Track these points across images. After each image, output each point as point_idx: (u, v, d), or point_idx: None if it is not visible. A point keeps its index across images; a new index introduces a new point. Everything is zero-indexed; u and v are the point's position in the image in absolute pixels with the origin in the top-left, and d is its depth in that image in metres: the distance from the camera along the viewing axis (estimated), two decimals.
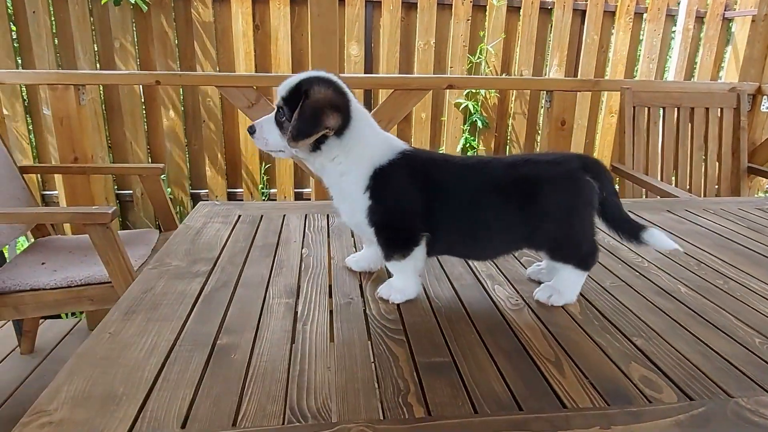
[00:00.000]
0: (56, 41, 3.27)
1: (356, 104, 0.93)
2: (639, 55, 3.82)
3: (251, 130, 0.96)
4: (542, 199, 0.91)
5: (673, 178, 2.49)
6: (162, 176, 2.51)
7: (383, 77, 3.20)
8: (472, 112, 3.69)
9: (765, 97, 2.62)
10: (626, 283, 1.06)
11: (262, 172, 3.62)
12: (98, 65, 3.36)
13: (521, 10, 3.63)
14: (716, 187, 2.52)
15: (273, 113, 0.94)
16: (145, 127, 3.48)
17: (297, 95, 0.88)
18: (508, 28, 3.68)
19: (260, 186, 3.64)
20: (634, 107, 2.42)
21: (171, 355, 0.77)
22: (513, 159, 0.96)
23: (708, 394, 0.72)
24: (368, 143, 0.93)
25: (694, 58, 3.83)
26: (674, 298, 1.01)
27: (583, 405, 0.69)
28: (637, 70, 3.83)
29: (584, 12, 3.68)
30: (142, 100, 3.45)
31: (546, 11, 3.69)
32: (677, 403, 0.70)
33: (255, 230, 1.30)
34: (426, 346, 0.82)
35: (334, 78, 0.93)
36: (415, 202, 0.91)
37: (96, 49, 3.36)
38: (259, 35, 3.50)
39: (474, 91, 3.68)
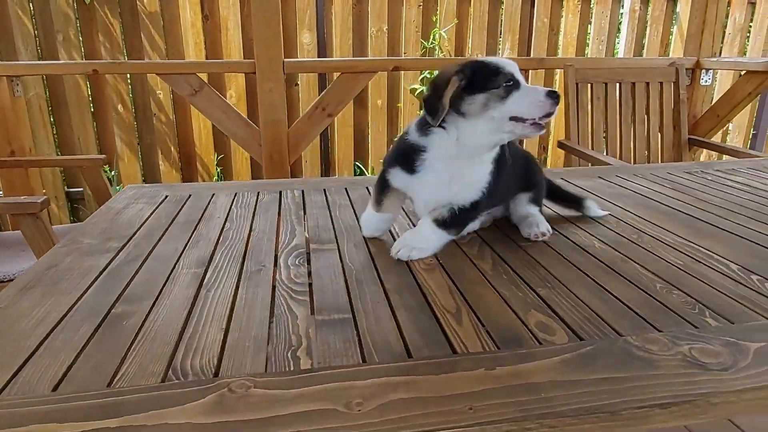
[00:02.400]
0: None
1: None
2: (589, 37, 3.88)
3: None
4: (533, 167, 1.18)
5: (619, 151, 2.54)
6: (105, 167, 2.44)
7: (330, 61, 3.18)
8: None
9: (704, 70, 2.68)
10: (544, 242, 1.08)
11: (216, 162, 3.57)
12: (41, 59, 3.25)
13: None
14: (659, 158, 2.58)
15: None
16: (94, 123, 3.39)
17: None
18: (460, 13, 3.69)
19: (215, 178, 3.58)
20: (577, 84, 2.45)
21: (60, 325, 0.74)
22: None
23: (600, 334, 0.73)
24: None
25: (642, 38, 3.90)
26: (586, 252, 1.02)
27: (474, 350, 0.69)
28: (587, 52, 3.89)
29: None
30: (89, 94, 3.36)
31: None
32: (567, 343, 0.71)
33: (180, 208, 1.27)
34: (329, 305, 0.81)
35: None
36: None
37: (38, 42, 3.25)
38: (208, 25, 3.43)
39: (428, 76, 3.69)
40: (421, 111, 0.97)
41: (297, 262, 0.97)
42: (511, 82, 0.91)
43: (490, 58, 0.96)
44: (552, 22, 3.79)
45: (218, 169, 3.60)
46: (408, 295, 0.85)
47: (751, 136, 3.81)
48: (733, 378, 0.63)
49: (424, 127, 0.97)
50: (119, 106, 3.40)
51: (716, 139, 3.98)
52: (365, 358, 0.67)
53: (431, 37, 3.67)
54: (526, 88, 0.92)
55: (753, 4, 3.96)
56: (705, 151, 3.40)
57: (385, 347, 0.70)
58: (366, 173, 3.77)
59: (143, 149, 3.52)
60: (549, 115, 0.90)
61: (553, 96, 0.90)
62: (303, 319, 0.77)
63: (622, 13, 3.87)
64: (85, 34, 3.28)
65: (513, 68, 0.92)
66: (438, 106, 0.90)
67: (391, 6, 3.57)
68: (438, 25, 3.67)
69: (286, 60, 2.39)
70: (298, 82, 3.57)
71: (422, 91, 3.69)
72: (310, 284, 0.88)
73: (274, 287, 0.87)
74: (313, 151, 3.74)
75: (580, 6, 3.77)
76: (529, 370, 0.65)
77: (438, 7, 3.66)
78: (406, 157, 0.98)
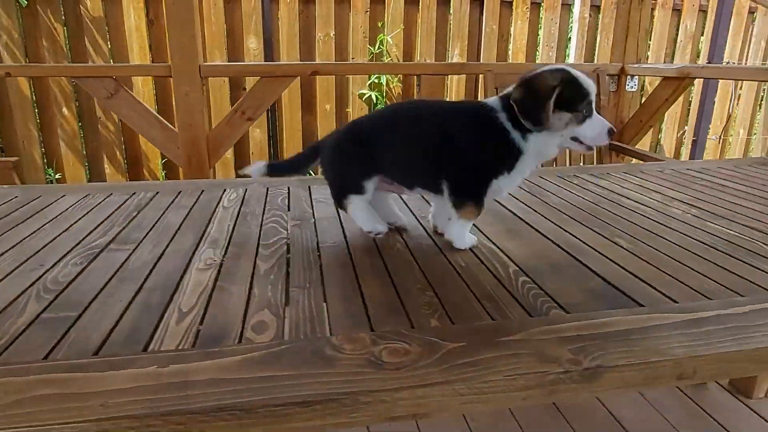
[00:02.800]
0: None
1: None
2: (539, 44, 3.89)
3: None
4: None
5: None
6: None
7: (247, 65, 3.21)
8: (376, 102, 3.71)
9: (629, 76, 2.68)
10: (348, 242, 1.07)
11: (161, 166, 3.58)
12: None
13: (420, 1, 3.66)
14: (581, 163, 2.57)
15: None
16: (39, 126, 3.41)
17: None
18: (408, 19, 3.70)
19: (161, 180, 3.60)
20: (496, 89, 2.45)
21: None
22: None
23: (309, 333, 0.73)
24: None
25: (593, 44, 3.91)
26: (379, 254, 1.01)
27: (166, 348, 0.69)
28: (537, 58, 3.90)
29: (482, 2, 3.73)
30: (33, 99, 3.38)
31: (445, 2, 3.73)
32: (266, 342, 0.70)
33: (15, 209, 1.28)
34: (68, 303, 0.81)
35: None
36: None
37: None
38: (154, 30, 3.46)
39: (377, 80, 3.70)
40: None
41: (79, 262, 0.97)
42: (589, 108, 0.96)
43: (581, 77, 0.95)
44: (501, 29, 3.80)
45: (164, 172, 3.62)
46: (158, 294, 0.85)
47: (691, 143, 3.80)
48: (398, 377, 0.63)
49: (523, 128, 0.97)
50: (64, 110, 3.43)
51: (670, 145, 3.97)
52: (49, 355, 0.67)
53: (378, 42, 3.69)
54: (596, 117, 0.97)
55: (704, 12, 3.97)
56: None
57: (80, 344, 0.70)
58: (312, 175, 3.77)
59: (88, 152, 3.54)
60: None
61: (611, 133, 0.99)
62: (28, 315, 0.77)
63: (572, 21, 3.87)
64: (28, 39, 3.31)
65: (594, 94, 0.97)
66: (541, 115, 0.92)
67: (338, 11, 3.59)
68: (385, 30, 3.69)
69: (202, 64, 2.41)
70: (246, 87, 3.59)
71: (371, 95, 3.70)
72: (70, 283, 0.88)
73: (30, 286, 0.87)
74: (261, 155, 3.75)
75: (529, 13, 3.78)
76: (199, 369, 0.64)
77: (385, 13, 3.67)
78: (509, 158, 0.99)
